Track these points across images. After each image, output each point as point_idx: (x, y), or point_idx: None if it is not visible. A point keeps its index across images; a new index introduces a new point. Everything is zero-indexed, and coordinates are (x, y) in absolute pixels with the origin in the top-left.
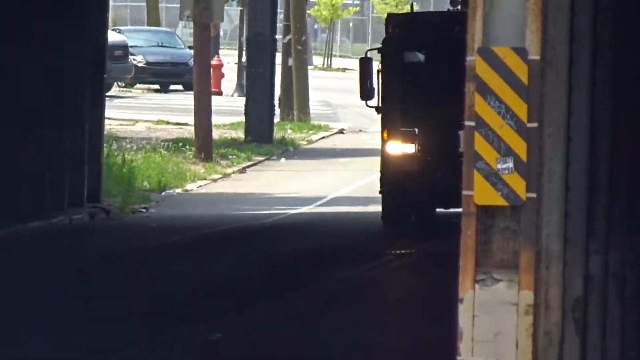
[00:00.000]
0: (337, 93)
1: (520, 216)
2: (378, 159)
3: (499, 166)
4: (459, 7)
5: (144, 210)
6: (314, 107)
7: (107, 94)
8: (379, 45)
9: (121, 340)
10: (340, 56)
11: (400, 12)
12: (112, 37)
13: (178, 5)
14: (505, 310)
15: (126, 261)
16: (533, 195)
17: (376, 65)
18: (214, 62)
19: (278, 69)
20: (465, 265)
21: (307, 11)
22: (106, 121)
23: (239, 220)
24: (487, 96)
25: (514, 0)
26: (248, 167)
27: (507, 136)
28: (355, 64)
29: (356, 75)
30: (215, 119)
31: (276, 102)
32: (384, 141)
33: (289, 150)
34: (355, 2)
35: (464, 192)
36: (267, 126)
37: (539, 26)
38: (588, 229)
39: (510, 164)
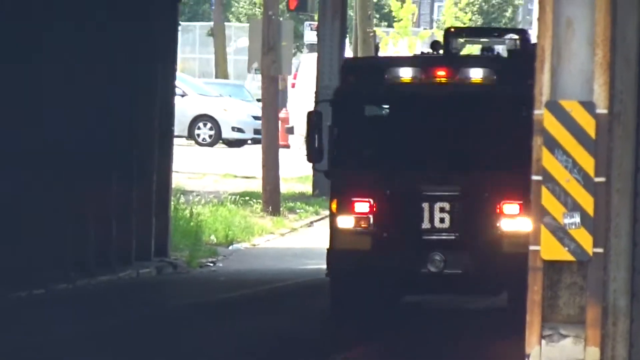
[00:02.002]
0: None
1: (587, 271)
2: None
3: (566, 221)
4: (440, 51)
5: (212, 264)
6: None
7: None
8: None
9: None
10: None
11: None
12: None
13: (246, 57)
14: None
15: (193, 315)
16: (600, 250)
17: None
18: (281, 115)
19: None
20: (531, 320)
21: None
22: (174, 174)
23: (305, 275)
24: (554, 150)
25: (582, 54)
26: (316, 221)
27: (574, 191)
28: None
29: None
30: (282, 172)
31: None
32: (333, 214)
33: None
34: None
35: (531, 248)
36: None
37: (607, 80)
38: None
39: (577, 219)
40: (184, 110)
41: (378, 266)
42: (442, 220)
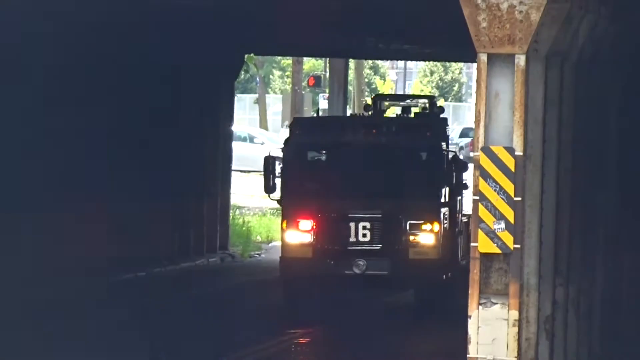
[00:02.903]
0: None
1: (509, 260)
2: None
3: (495, 226)
4: (370, 112)
5: (257, 255)
6: None
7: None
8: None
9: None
10: None
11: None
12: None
13: (280, 117)
14: (500, 323)
15: (246, 289)
16: (518, 246)
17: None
18: None
19: None
20: (472, 293)
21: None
22: (233, 195)
23: None
24: (487, 179)
25: (505, 115)
26: None
27: (500, 206)
28: None
29: None
30: None
31: None
32: (283, 230)
33: None
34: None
35: (472, 244)
36: None
37: (522, 133)
38: (555, 269)
39: (503, 225)
40: (263, 152)
41: (317, 270)
42: (364, 235)
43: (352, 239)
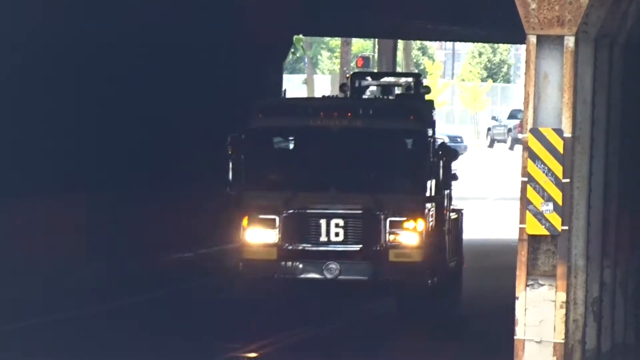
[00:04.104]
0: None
1: (557, 242)
2: (454, 204)
3: (543, 208)
4: (348, 93)
5: None
6: None
7: None
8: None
9: None
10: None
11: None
12: None
13: None
14: (547, 305)
15: None
16: (566, 227)
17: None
18: None
19: None
20: (520, 274)
21: None
22: None
23: None
24: (535, 160)
25: (554, 96)
26: None
27: (548, 188)
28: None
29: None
30: None
31: None
32: (243, 228)
33: None
34: (447, 97)
35: (520, 225)
36: None
37: (571, 114)
38: (602, 251)
39: (551, 207)
40: None
41: (282, 274)
42: (337, 234)
43: (323, 238)
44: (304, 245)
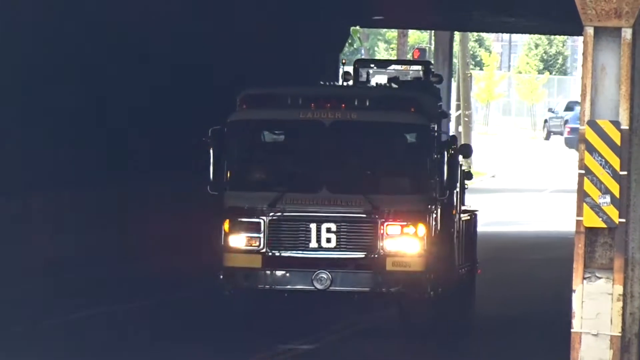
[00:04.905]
0: (491, 149)
1: (614, 234)
2: (511, 196)
3: (600, 200)
4: (350, 82)
5: None
6: (475, 158)
7: None
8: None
9: None
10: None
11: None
12: None
13: None
14: (604, 298)
15: None
16: (623, 220)
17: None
18: None
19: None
20: (577, 267)
21: (472, 93)
22: None
23: None
24: (592, 153)
25: (611, 88)
26: None
27: (606, 180)
28: (502, 131)
29: (498, 138)
30: None
31: None
32: (226, 233)
33: None
34: (503, 89)
35: (577, 218)
36: None
37: (628, 106)
38: None
39: (608, 199)
40: None
41: (268, 284)
42: (328, 240)
43: (313, 244)
44: (292, 252)
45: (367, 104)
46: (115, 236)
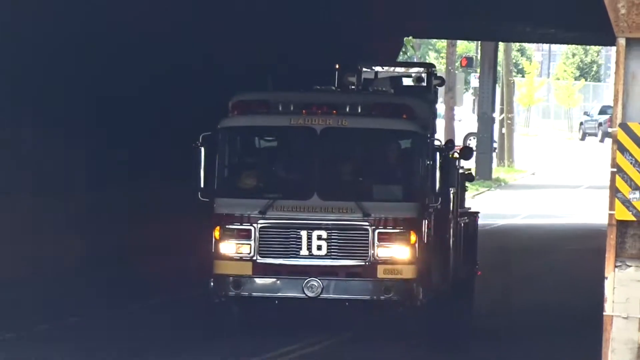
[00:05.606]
0: (531, 149)
1: None
2: (549, 192)
3: (631, 196)
4: (354, 85)
5: None
6: (517, 157)
7: None
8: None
9: None
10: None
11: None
12: None
13: None
14: (634, 284)
15: None
16: None
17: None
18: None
19: (495, 134)
20: (609, 256)
21: (514, 98)
22: None
23: None
24: (624, 153)
25: None
26: (476, 195)
27: (635, 177)
28: (541, 133)
29: (544, 139)
30: None
31: (494, 154)
32: (216, 240)
33: (502, 185)
34: (543, 95)
35: (609, 212)
36: (488, 169)
37: None
38: None
39: (638, 195)
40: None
41: (259, 291)
42: (319, 247)
43: (304, 252)
44: (283, 259)
45: (359, 110)
46: (115, 238)
